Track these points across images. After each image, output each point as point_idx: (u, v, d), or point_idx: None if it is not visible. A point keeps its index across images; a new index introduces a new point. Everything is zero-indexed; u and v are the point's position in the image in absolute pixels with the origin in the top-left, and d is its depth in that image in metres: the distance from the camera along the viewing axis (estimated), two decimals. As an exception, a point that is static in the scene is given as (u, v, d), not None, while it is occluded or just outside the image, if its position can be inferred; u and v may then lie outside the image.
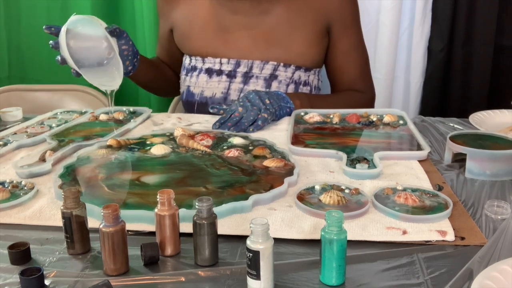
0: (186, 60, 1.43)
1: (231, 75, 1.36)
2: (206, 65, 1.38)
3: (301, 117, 1.20)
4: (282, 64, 1.34)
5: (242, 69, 1.35)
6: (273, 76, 1.34)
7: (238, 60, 1.36)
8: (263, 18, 1.34)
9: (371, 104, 1.44)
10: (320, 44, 1.37)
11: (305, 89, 1.37)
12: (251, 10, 1.34)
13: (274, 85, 1.34)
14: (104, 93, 1.15)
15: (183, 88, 1.43)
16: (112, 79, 1.12)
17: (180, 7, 1.41)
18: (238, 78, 1.35)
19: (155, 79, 1.46)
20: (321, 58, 1.39)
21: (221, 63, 1.37)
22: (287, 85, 1.35)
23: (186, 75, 1.42)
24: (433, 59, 1.78)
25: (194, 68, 1.40)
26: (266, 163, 0.91)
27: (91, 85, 1.19)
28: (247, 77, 1.35)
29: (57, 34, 1.09)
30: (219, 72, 1.37)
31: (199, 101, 1.38)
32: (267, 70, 1.34)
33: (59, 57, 1.10)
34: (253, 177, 0.86)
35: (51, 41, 1.10)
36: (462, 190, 0.85)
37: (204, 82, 1.38)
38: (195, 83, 1.39)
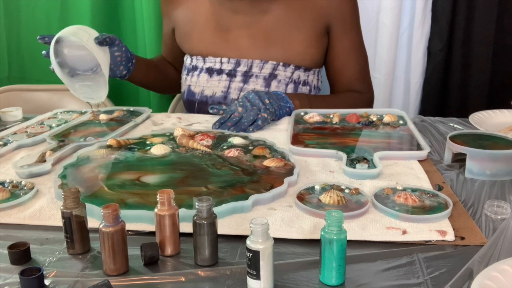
0: (187, 60, 1.44)
1: (231, 74, 1.36)
2: (207, 65, 1.38)
3: (301, 117, 1.20)
4: (281, 63, 1.34)
5: (242, 68, 1.36)
6: (272, 76, 1.34)
7: (238, 60, 1.36)
8: (263, 17, 1.34)
9: (370, 105, 1.44)
10: (320, 44, 1.37)
11: (304, 89, 1.37)
12: (251, 10, 1.34)
13: (274, 85, 1.34)
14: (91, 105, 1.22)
15: (184, 88, 1.44)
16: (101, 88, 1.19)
17: (181, 7, 1.42)
18: (238, 77, 1.36)
19: (156, 79, 1.48)
20: (320, 58, 1.39)
21: (221, 63, 1.37)
22: (286, 85, 1.35)
23: (187, 74, 1.42)
24: (433, 59, 1.78)
25: (195, 68, 1.40)
26: (266, 163, 0.91)
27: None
28: (246, 76, 1.35)
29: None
30: (220, 71, 1.37)
31: (200, 100, 1.39)
32: (266, 69, 1.34)
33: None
34: (254, 177, 0.86)
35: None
36: (462, 190, 0.85)
37: (204, 81, 1.38)
38: (196, 82, 1.39)
